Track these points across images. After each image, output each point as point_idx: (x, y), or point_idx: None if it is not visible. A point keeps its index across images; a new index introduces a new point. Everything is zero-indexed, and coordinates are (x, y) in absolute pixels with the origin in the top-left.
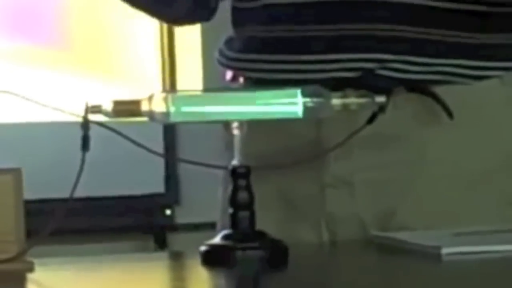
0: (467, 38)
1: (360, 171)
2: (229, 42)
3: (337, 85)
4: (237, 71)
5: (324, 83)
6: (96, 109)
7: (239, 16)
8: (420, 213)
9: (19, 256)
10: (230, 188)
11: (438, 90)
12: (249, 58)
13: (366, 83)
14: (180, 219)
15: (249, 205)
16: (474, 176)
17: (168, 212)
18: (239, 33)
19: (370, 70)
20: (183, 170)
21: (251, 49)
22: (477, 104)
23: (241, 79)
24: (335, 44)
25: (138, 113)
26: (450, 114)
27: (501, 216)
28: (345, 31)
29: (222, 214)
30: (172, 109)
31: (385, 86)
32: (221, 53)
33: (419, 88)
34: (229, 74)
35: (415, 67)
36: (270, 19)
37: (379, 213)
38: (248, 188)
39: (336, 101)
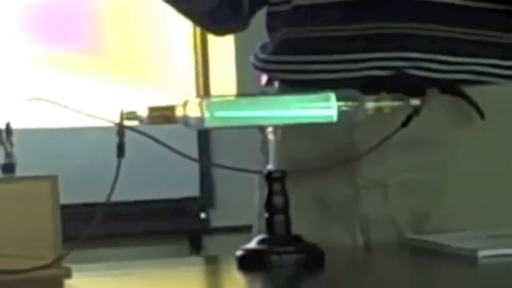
0: (499, 38)
1: (394, 173)
2: (264, 46)
3: (369, 85)
4: (270, 73)
5: (356, 83)
6: (131, 116)
7: (273, 21)
8: (454, 214)
9: (56, 262)
10: (265, 192)
11: (470, 91)
12: (281, 60)
13: (399, 83)
14: (215, 222)
15: (285, 209)
16: (507, 177)
17: (203, 215)
18: (273, 36)
19: (402, 69)
20: (218, 173)
21: (283, 50)
22: (509, 104)
23: (276, 83)
24: (367, 43)
25: (173, 119)
26: (482, 115)
27: None
28: (377, 29)
29: (258, 218)
30: (206, 114)
31: (418, 87)
32: (256, 57)
33: (451, 89)
34: (264, 78)
35: (447, 66)
36: (300, 21)
37: (413, 215)
38: (283, 192)
39: (370, 105)
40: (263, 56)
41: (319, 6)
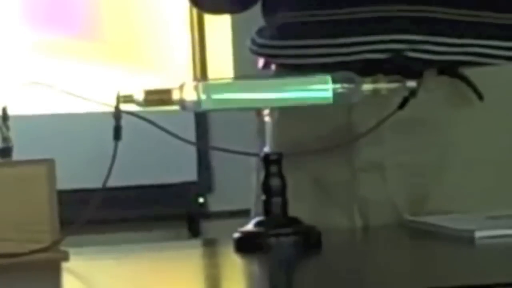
0: (498, 19)
1: (392, 155)
2: (261, 31)
3: (368, 68)
4: (267, 57)
5: (354, 66)
6: (128, 99)
7: (269, 5)
8: (452, 196)
9: (53, 245)
10: (262, 174)
11: (468, 72)
12: (278, 45)
13: (397, 65)
14: (213, 207)
15: (282, 192)
16: (506, 158)
17: (201, 200)
18: (270, 21)
19: (400, 51)
20: (216, 157)
21: (280, 35)
22: (508, 85)
23: (273, 67)
24: (364, 27)
25: (170, 102)
26: (480, 96)
27: None
28: (374, 12)
29: (256, 201)
30: (203, 97)
31: (416, 69)
32: (253, 41)
33: (449, 71)
34: (261, 62)
35: (445, 48)
36: (299, 5)
37: (411, 197)
38: (280, 174)
39: (367, 86)
40: (260, 40)
41: None
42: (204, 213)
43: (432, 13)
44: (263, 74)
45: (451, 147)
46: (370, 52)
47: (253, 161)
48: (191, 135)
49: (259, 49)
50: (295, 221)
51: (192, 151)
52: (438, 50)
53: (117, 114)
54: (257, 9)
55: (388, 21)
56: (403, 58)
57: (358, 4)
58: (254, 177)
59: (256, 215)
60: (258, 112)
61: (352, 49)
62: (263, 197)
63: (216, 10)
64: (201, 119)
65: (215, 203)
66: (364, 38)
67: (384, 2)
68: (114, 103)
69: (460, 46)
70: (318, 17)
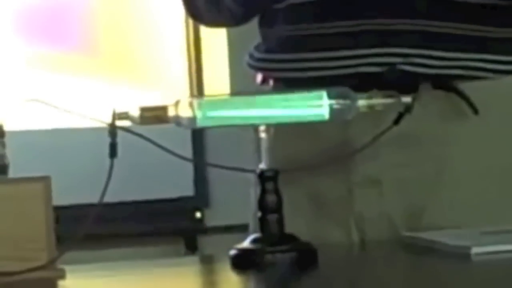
0: (492, 33)
1: (388, 170)
2: (258, 46)
3: (363, 82)
4: (264, 71)
5: (349, 80)
6: (123, 116)
7: (267, 18)
8: (448, 211)
9: (50, 263)
10: (258, 191)
11: (463, 86)
12: (274, 58)
13: (391, 79)
14: (210, 222)
15: (278, 208)
16: (502, 172)
17: (198, 215)
18: (267, 35)
19: (395, 65)
20: (212, 173)
21: (277, 49)
22: (503, 99)
23: (271, 82)
24: (359, 40)
25: (165, 119)
26: (475, 110)
27: None
28: (368, 25)
29: (254, 217)
30: (198, 114)
31: (410, 82)
32: (251, 56)
33: (444, 85)
34: (259, 77)
35: (440, 62)
36: (295, 19)
37: (408, 211)
38: (276, 191)
39: (362, 102)
40: (257, 54)
41: (311, 4)
42: (201, 228)
43: (425, 27)
44: (259, 90)
45: (447, 161)
46: (365, 65)
47: (251, 177)
48: (188, 150)
49: (255, 63)
50: (291, 238)
51: (188, 166)
52: (432, 64)
53: (113, 131)
54: (253, 24)
55: (383, 35)
56: (398, 72)
57: (353, 18)
58: (252, 193)
59: (255, 231)
60: (255, 128)
61: (347, 62)
62: (259, 213)
63: (214, 23)
64: (198, 134)
65: (212, 218)
66: (359, 51)
67: (378, 16)
68: (109, 120)
69: (454, 60)
70: (313, 30)
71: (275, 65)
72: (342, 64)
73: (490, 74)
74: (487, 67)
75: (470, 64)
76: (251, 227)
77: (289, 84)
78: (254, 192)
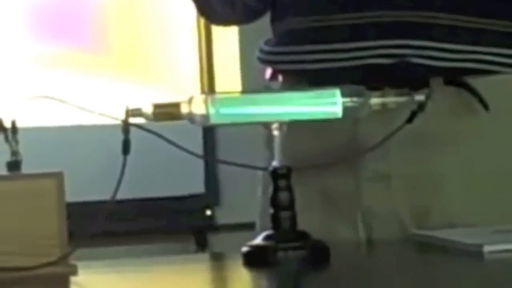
0: (506, 27)
1: (397, 167)
2: (268, 40)
3: (373, 74)
4: (273, 64)
5: (358, 72)
6: (136, 113)
7: (279, 11)
8: (458, 208)
9: (62, 259)
10: (270, 188)
11: (474, 82)
12: (283, 51)
13: (402, 72)
14: (221, 220)
15: (290, 206)
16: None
17: (208, 212)
18: (276, 28)
19: (404, 57)
20: (223, 170)
21: (286, 41)
22: None
23: (280, 78)
24: (369, 32)
25: (178, 116)
26: (485, 106)
27: None
28: (379, 18)
29: (261, 214)
30: (211, 111)
31: (419, 75)
32: (260, 50)
33: (455, 80)
34: (268, 73)
35: (450, 54)
36: (306, 10)
37: (417, 208)
38: (288, 188)
39: (375, 100)
40: (266, 48)
41: None
42: (211, 226)
43: (437, 19)
44: (271, 86)
45: (457, 158)
46: (375, 57)
47: (260, 173)
48: (199, 148)
49: (265, 56)
50: (303, 235)
51: (199, 163)
52: (443, 57)
53: (126, 128)
54: (265, 21)
55: (393, 27)
56: (407, 64)
57: (362, 10)
58: (259, 190)
59: (261, 228)
60: (267, 125)
61: (355, 54)
62: (272, 211)
63: (224, 22)
64: (209, 131)
65: (223, 216)
66: (368, 43)
67: (388, 7)
68: (122, 117)
69: (464, 53)
70: (323, 22)
71: (284, 57)
72: (352, 56)
73: (501, 68)
74: (501, 61)
75: (481, 57)
76: (257, 225)
77: (297, 76)
78: (262, 189)
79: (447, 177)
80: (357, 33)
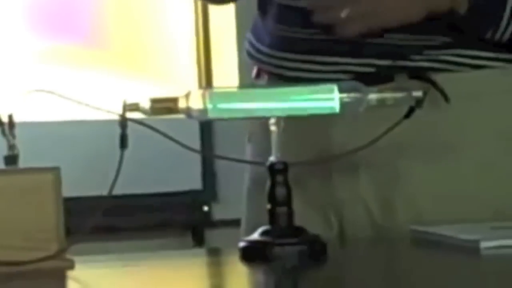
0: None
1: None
2: (257, 32)
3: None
4: (264, 65)
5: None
6: (134, 107)
7: (261, 4)
8: (423, 202)
9: (59, 254)
10: (268, 184)
11: (437, 78)
12: (277, 55)
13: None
14: (218, 215)
15: (287, 201)
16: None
17: (205, 208)
18: (260, 23)
19: (368, 74)
20: (220, 166)
21: (279, 46)
22: (476, 92)
23: (266, 76)
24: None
25: (176, 110)
26: (446, 98)
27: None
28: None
29: (248, 207)
30: (209, 106)
31: (387, 74)
32: (251, 45)
33: (419, 75)
34: (254, 71)
35: (417, 56)
36: (286, 20)
37: (384, 201)
38: (285, 184)
39: (372, 96)
40: (259, 46)
41: (296, 10)
42: (208, 222)
43: (404, 41)
44: (256, 83)
45: (422, 153)
46: (338, 72)
47: (246, 169)
48: (196, 143)
49: (257, 55)
50: (300, 231)
51: (197, 159)
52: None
53: (123, 122)
54: None
55: (357, 45)
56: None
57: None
58: (245, 182)
59: (248, 221)
60: (252, 121)
61: (325, 68)
62: (269, 206)
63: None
64: (206, 127)
65: (220, 212)
66: (350, 59)
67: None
68: (120, 111)
69: (432, 54)
70: (301, 34)
71: (277, 61)
72: (322, 69)
73: (462, 68)
74: (462, 61)
75: (443, 58)
76: (243, 219)
77: (285, 82)
78: (249, 184)
79: (413, 171)
80: (327, 48)
